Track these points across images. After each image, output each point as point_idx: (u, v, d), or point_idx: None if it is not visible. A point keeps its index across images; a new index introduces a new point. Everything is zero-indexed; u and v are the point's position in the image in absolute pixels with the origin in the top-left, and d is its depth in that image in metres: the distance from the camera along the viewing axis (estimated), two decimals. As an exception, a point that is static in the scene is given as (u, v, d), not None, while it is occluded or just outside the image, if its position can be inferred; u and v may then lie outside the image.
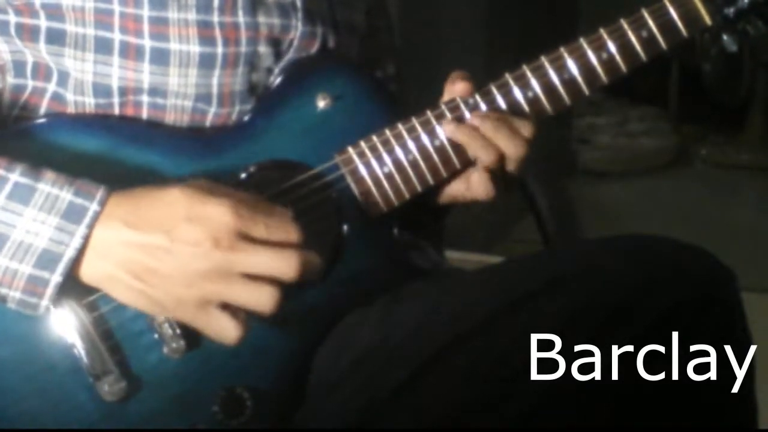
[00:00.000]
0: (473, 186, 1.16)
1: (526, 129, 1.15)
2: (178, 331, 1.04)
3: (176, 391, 1.06)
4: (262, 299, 0.98)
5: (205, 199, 0.97)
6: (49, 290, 0.97)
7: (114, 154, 1.07)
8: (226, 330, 0.98)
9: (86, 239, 0.97)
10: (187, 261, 0.96)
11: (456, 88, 1.17)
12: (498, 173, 1.15)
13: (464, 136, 1.14)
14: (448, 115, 1.14)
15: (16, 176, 0.97)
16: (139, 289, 0.98)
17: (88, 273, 0.98)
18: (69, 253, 0.96)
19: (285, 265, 0.97)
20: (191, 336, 1.05)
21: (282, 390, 1.10)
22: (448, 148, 1.14)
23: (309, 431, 1.09)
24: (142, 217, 0.97)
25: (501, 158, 1.14)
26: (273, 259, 0.97)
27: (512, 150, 1.14)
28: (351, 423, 1.04)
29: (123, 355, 1.04)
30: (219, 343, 1.00)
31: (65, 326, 1.02)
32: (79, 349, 1.02)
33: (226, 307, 0.98)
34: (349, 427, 1.04)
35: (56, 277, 0.97)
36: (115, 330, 1.04)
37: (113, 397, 1.03)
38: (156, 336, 1.04)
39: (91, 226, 0.96)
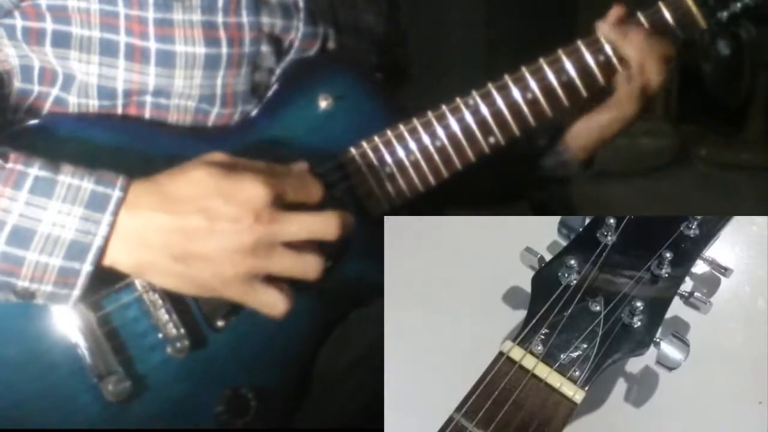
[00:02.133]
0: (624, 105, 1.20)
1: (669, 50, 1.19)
2: (182, 330, 1.04)
3: (180, 391, 1.06)
4: (309, 266, 0.98)
5: (233, 175, 0.96)
6: (81, 280, 0.97)
7: (116, 154, 1.07)
8: (276, 302, 0.98)
9: (112, 226, 0.96)
10: (230, 239, 0.95)
11: (612, 15, 1.19)
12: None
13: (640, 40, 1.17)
14: (449, 115, 1.15)
15: (35, 170, 0.96)
16: (180, 273, 0.96)
17: (123, 261, 0.97)
18: (97, 242, 0.96)
19: (327, 224, 0.97)
20: (195, 336, 1.05)
21: (286, 389, 1.10)
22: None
23: (311, 431, 1.10)
24: (173, 200, 0.96)
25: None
26: (315, 222, 0.97)
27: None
28: (353, 421, 1.04)
29: (127, 354, 1.04)
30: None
31: (69, 326, 1.03)
32: (83, 348, 1.03)
33: (270, 279, 0.98)
34: (351, 425, 1.04)
35: (87, 267, 0.96)
36: (119, 329, 1.04)
37: (117, 397, 1.03)
38: (160, 335, 1.05)
39: (115, 213, 0.96)
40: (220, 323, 1.06)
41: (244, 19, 1.10)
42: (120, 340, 1.04)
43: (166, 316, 1.04)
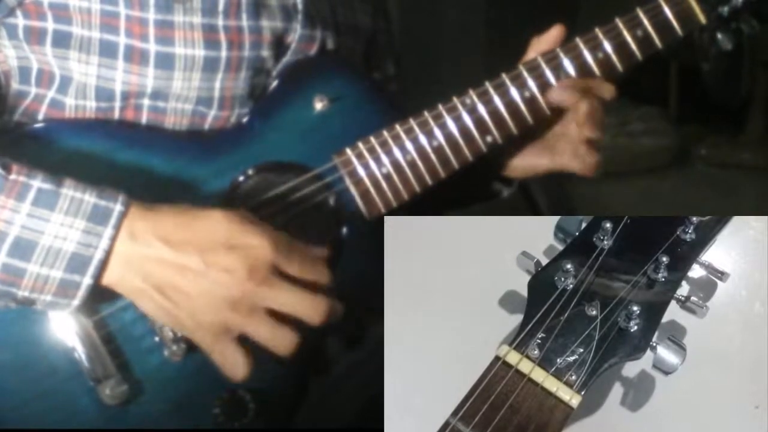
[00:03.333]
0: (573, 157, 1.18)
1: (608, 92, 1.17)
2: (179, 334, 1.04)
3: (177, 393, 1.06)
4: (283, 341, 0.99)
5: (246, 229, 0.98)
6: (81, 292, 0.98)
7: (114, 157, 1.07)
8: (236, 365, 1.00)
9: (113, 240, 0.97)
10: (217, 287, 0.96)
11: (551, 36, 1.18)
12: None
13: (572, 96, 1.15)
14: (446, 114, 1.14)
15: (38, 182, 0.97)
16: (162, 305, 0.98)
17: (117, 283, 0.99)
18: (98, 255, 0.96)
19: (313, 309, 0.99)
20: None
21: (283, 391, 1.10)
22: (462, 139, 1.15)
23: (311, 431, 1.10)
24: (180, 236, 0.97)
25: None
26: (303, 301, 0.98)
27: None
28: (351, 423, 1.04)
29: (124, 358, 1.04)
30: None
31: (66, 330, 1.03)
32: (80, 353, 1.03)
33: (241, 339, 0.99)
34: (350, 426, 1.04)
35: (87, 280, 0.97)
36: (115, 333, 1.04)
37: (114, 400, 1.03)
38: (157, 339, 1.05)
39: (117, 227, 0.97)
40: None
41: (244, 22, 1.09)
42: (117, 343, 1.04)
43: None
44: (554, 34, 1.18)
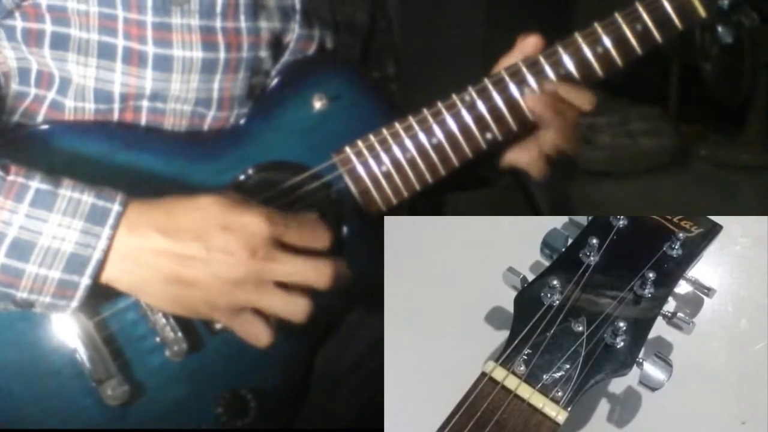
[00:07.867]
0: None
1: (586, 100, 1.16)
2: (179, 334, 1.04)
3: (179, 393, 1.06)
4: (296, 308, 0.99)
5: (238, 209, 0.98)
6: (79, 293, 0.97)
7: (113, 159, 1.07)
8: (259, 335, 0.99)
9: (111, 240, 0.97)
10: (222, 270, 0.96)
11: (528, 45, 1.17)
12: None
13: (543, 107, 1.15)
14: (445, 111, 1.14)
15: (36, 183, 0.97)
16: (172, 295, 0.98)
17: (119, 279, 0.99)
18: (96, 255, 0.96)
19: (319, 274, 0.99)
20: (193, 339, 1.05)
21: (285, 391, 1.10)
22: (459, 137, 1.14)
23: (311, 431, 1.10)
24: (175, 225, 0.97)
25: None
26: (308, 269, 0.98)
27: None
28: (353, 422, 1.04)
29: (125, 359, 1.04)
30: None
31: (67, 331, 1.03)
32: (82, 353, 1.03)
33: (259, 311, 0.99)
34: (351, 425, 1.04)
35: (85, 280, 0.97)
36: (116, 334, 1.04)
37: (116, 401, 1.04)
38: (158, 339, 1.05)
39: (115, 227, 0.97)
40: (217, 326, 1.06)
41: (242, 24, 1.09)
42: (118, 344, 1.04)
43: (163, 320, 1.04)
44: (532, 41, 1.17)
